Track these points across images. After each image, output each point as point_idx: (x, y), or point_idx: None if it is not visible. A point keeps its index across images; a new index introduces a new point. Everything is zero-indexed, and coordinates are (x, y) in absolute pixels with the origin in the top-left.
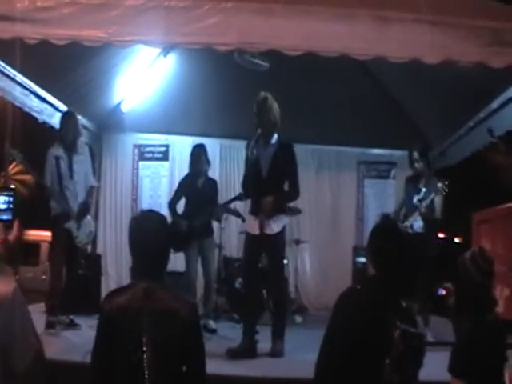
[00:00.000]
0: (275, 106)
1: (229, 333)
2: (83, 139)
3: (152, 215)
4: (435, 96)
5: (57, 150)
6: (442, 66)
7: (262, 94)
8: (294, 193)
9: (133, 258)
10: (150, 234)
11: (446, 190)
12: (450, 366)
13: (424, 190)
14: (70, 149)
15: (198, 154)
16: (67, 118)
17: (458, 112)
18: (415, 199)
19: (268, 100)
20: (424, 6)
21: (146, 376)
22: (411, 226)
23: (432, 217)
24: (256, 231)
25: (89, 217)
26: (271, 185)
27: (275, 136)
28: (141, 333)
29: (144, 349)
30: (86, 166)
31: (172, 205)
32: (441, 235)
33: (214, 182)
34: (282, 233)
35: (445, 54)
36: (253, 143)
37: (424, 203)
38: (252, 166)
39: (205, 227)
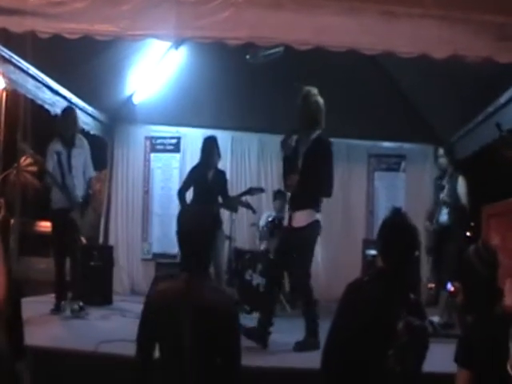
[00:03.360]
0: (318, 102)
1: (242, 323)
2: (80, 137)
3: (200, 210)
4: (444, 90)
5: (56, 146)
6: (450, 60)
7: (306, 88)
8: (324, 189)
9: (181, 250)
10: (198, 229)
11: (465, 185)
12: (456, 357)
13: (447, 186)
14: (69, 144)
15: (210, 147)
16: (67, 114)
17: (466, 106)
18: (441, 196)
19: (309, 95)
20: (432, 1)
21: (187, 364)
22: (438, 221)
23: (457, 206)
24: (286, 223)
25: (91, 210)
26: (304, 180)
27: (316, 132)
28: (181, 322)
29: (184, 338)
30: (84, 159)
31: (181, 194)
32: (468, 233)
33: (223, 173)
34: (309, 227)
35: (452, 49)
36: (294, 138)
37: (449, 196)
38: (289, 161)
39: (214, 218)
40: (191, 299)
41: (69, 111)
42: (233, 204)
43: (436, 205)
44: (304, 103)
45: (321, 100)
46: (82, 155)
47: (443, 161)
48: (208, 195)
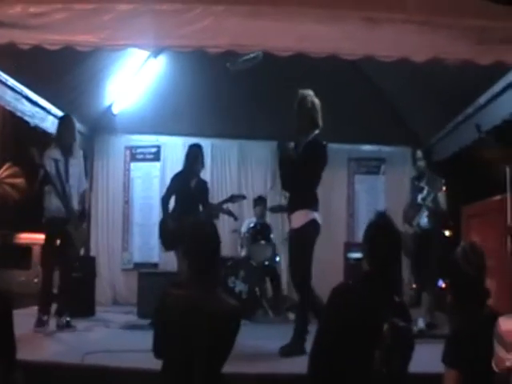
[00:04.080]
0: (314, 103)
1: None
2: (77, 144)
3: (209, 225)
4: (424, 92)
5: (54, 153)
6: (430, 64)
7: (302, 91)
8: (307, 191)
9: (190, 261)
10: (209, 242)
11: (444, 188)
12: (444, 357)
13: (426, 187)
14: (67, 152)
15: (195, 154)
16: (66, 121)
17: (446, 108)
18: (419, 198)
19: (307, 97)
20: (412, 7)
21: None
22: (418, 224)
23: (437, 211)
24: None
25: (85, 224)
26: (299, 181)
27: (315, 132)
28: (191, 330)
29: (193, 345)
30: (80, 169)
31: (164, 201)
32: (447, 233)
33: (205, 183)
34: (305, 227)
35: (433, 52)
36: (291, 141)
37: (428, 199)
38: (286, 163)
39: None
40: (201, 309)
41: (68, 118)
42: (214, 211)
43: (413, 206)
44: (301, 106)
45: (317, 101)
46: (78, 165)
47: (421, 163)
48: (190, 203)
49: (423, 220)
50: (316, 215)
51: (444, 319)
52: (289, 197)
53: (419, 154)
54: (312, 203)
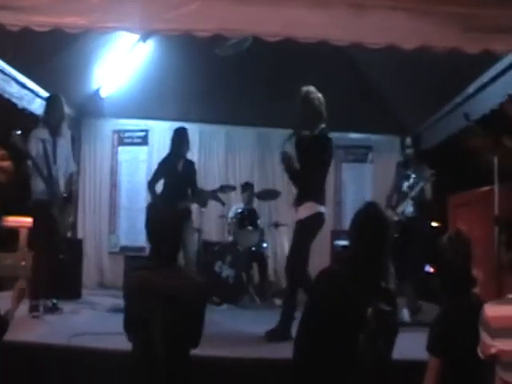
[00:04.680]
0: (318, 98)
1: (211, 315)
2: (66, 123)
3: (169, 209)
4: (412, 80)
5: (42, 133)
6: (418, 51)
7: (304, 88)
8: (314, 184)
9: (152, 244)
10: (168, 225)
11: (433, 178)
12: (428, 345)
13: (413, 176)
14: (55, 132)
15: (180, 137)
16: (53, 100)
17: (434, 96)
18: (405, 185)
19: (310, 94)
20: None
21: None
22: (403, 212)
23: (422, 201)
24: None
25: (72, 206)
26: (304, 174)
27: (320, 126)
28: (154, 309)
29: (160, 318)
30: (67, 151)
31: (151, 185)
32: (434, 224)
33: (192, 163)
34: (309, 218)
35: (421, 40)
36: (296, 136)
37: (415, 189)
38: (291, 157)
39: (184, 211)
40: (163, 287)
41: (55, 97)
42: (203, 199)
43: (398, 193)
44: (306, 102)
45: (321, 96)
46: (66, 147)
47: (410, 151)
48: (178, 186)
49: (408, 209)
50: (322, 208)
51: (428, 307)
52: (297, 190)
53: (408, 141)
54: (319, 196)
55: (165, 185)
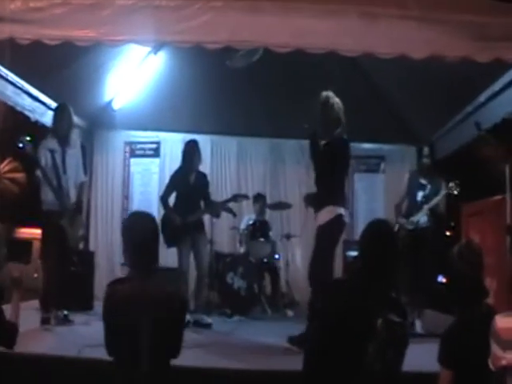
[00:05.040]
0: (337, 103)
1: (223, 327)
2: (76, 132)
3: (144, 216)
4: (423, 90)
5: (50, 143)
6: (429, 61)
7: (324, 93)
8: (332, 188)
9: (128, 254)
10: (144, 233)
11: (458, 189)
12: (439, 357)
13: (429, 186)
14: (64, 142)
15: (191, 150)
16: (61, 110)
17: (445, 106)
18: (419, 195)
19: (330, 99)
20: (411, 2)
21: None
22: (418, 222)
23: (437, 211)
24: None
25: (82, 217)
26: (320, 179)
27: (338, 130)
28: (134, 319)
29: (139, 330)
30: (77, 160)
31: (164, 199)
32: (448, 233)
33: (204, 176)
34: (330, 223)
35: (432, 49)
36: (317, 141)
37: (435, 200)
38: (313, 161)
39: (197, 222)
40: (142, 297)
41: (63, 106)
42: (216, 210)
43: (411, 202)
44: (326, 107)
45: (339, 101)
46: (75, 156)
47: (427, 161)
48: (190, 199)
49: (423, 219)
50: (342, 210)
51: (441, 318)
52: (316, 194)
53: (426, 150)
54: (338, 199)
55: (177, 197)
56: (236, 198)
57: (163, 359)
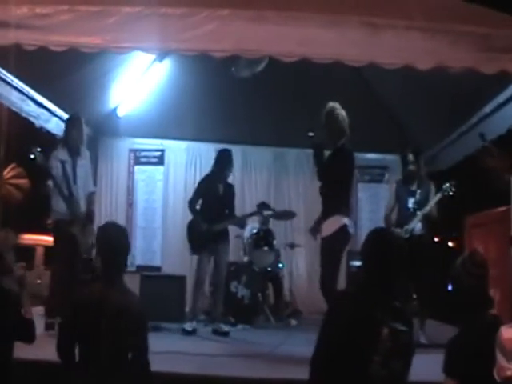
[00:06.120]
0: (342, 115)
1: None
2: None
3: (116, 226)
4: (427, 101)
5: (61, 154)
6: (434, 72)
7: (330, 104)
8: (337, 198)
9: (101, 260)
10: (117, 242)
11: (454, 190)
12: (444, 367)
13: (419, 191)
14: (75, 152)
15: (226, 159)
16: (73, 121)
17: (450, 117)
18: (410, 202)
19: (335, 110)
20: (415, 13)
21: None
22: (412, 230)
23: (431, 216)
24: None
25: (93, 226)
26: (324, 189)
27: (341, 141)
28: (98, 322)
29: (102, 331)
30: (87, 171)
31: (192, 205)
32: (436, 239)
33: (232, 186)
34: (334, 235)
35: (436, 60)
36: (321, 151)
37: (430, 203)
38: (317, 171)
39: (223, 232)
40: (106, 301)
41: (75, 118)
42: (241, 222)
43: (402, 211)
44: (330, 118)
45: (344, 112)
46: (85, 167)
47: (413, 167)
48: (218, 207)
49: (417, 226)
50: (347, 220)
51: (444, 329)
52: (322, 205)
53: (411, 157)
54: (342, 209)
55: (203, 204)
56: (261, 210)
57: (118, 365)
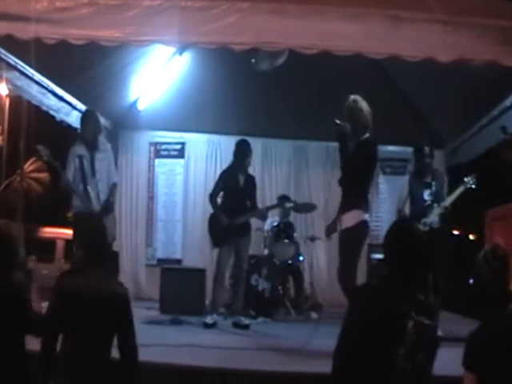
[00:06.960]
0: (365, 107)
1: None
2: (103, 136)
3: (97, 218)
4: (448, 94)
5: (79, 149)
6: (455, 64)
7: (352, 96)
8: (360, 191)
9: (83, 250)
10: (99, 233)
11: (476, 183)
12: (464, 361)
13: (434, 183)
14: (92, 147)
15: (243, 150)
16: (87, 116)
17: (471, 109)
18: (426, 194)
19: (358, 102)
20: (436, 6)
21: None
22: (431, 223)
23: (446, 206)
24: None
25: (113, 214)
26: (346, 181)
27: (365, 134)
28: (84, 311)
29: (88, 318)
30: (108, 163)
31: (213, 197)
32: (455, 232)
33: (253, 178)
34: (355, 228)
35: (457, 52)
36: (346, 143)
37: (450, 199)
38: (341, 162)
39: (244, 225)
40: (92, 290)
41: (89, 113)
42: (263, 214)
43: (418, 204)
44: (354, 111)
45: (367, 105)
46: (105, 159)
47: (429, 160)
48: (239, 200)
49: (435, 218)
50: (367, 216)
51: (464, 322)
52: (341, 197)
53: (427, 150)
54: (363, 204)
55: (225, 197)
56: (282, 203)
57: (101, 353)
